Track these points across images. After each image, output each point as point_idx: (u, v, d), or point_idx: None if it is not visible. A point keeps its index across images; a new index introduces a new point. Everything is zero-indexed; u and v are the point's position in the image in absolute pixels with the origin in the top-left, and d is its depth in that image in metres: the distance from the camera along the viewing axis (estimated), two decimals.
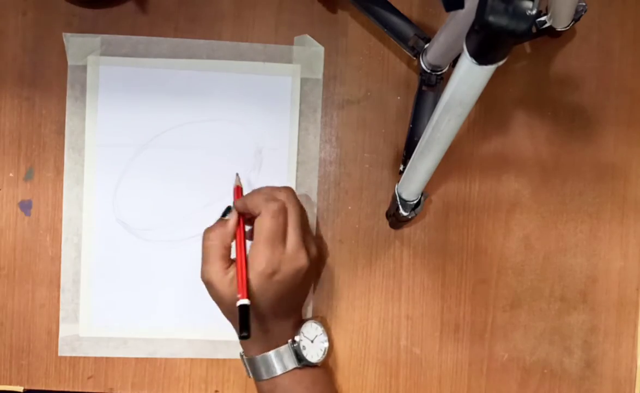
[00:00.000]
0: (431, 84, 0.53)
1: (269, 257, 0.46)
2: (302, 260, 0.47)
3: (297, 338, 0.49)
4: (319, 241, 0.55)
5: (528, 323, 0.56)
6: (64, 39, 0.54)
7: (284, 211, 0.47)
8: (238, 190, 0.51)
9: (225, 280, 0.46)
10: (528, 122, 0.56)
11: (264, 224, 0.46)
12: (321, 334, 0.52)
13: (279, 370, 0.48)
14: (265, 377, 0.48)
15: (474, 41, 0.32)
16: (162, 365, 0.54)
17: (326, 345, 0.52)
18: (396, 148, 0.56)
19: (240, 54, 0.55)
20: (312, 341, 0.51)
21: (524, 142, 0.56)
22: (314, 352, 0.50)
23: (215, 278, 0.46)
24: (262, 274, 0.45)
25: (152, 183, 0.54)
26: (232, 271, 0.46)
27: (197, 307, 0.54)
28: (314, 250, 0.50)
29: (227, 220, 0.48)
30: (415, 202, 0.49)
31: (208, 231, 0.48)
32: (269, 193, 0.48)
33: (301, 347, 0.49)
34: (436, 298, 0.56)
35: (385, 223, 0.55)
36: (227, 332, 0.54)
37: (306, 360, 0.49)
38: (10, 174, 0.54)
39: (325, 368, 0.53)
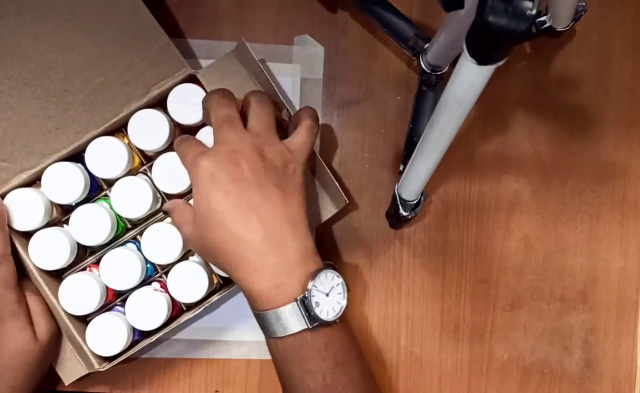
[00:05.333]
0: (431, 84, 0.53)
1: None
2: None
3: (307, 291, 0.40)
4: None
5: (528, 323, 0.56)
6: None
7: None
8: None
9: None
10: (528, 122, 0.56)
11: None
12: (338, 285, 0.42)
13: (288, 330, 0.40)
14: (276, 335, 0.41)
15: (473, 41, 0.32)
16: (162, 365, 0.54)
17: (344, 302, 0.42)
18: (396, 148, 0.56)
19: None
20: (327, 295, 0.42)
21: (524, 142, 0.56)
22: (329, 308, 0.41)
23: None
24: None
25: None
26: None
27: None
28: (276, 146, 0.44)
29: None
30: (415, 202, 0.49)
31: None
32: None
33: (313, 303, 0.40)
34: (436, 298, 0.56)
35: (385, 223, 0.56)
36: (227, 332, 0.55)
37: (319, 318, 0.40)
38: None
39: (343, 324, 0.43)
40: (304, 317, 0.40)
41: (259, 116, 0.44)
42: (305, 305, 0.40)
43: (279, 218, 0.41)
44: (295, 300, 0.40)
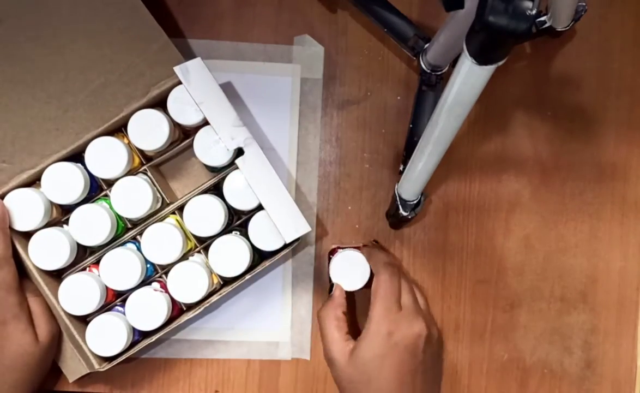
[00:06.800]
0: (431, 84, 0.53)
1: (385, 315, 0.47)
2: (419, 324, 0.47)
3: None
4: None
5: (528, 323, 0.56)
6: None
7: (398, 274, 0.49)
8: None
9: (347, 350, 0.47)
10: (528, 122, 0.56)
11: (381, 285, 0.48)
12: None
13: None
14: None
15: (474, 41, 0.32)
16: (162, 365, 0.54)
17: None
18: (396, 148, 0.56)
19: (240, 54, 0.55)
20: None
21: (524, 142, 0.56)
22: None
23: (337, 354, 0.47)
24: (378, 332, 0.46)
25: None
26: (351, 342, 0.48)
27: None
28: (434, 330, 0.50)
29: (333, 294, 0.50)
30: (415, 202, 0.49)
31: (319, 312, 0.50)
32: (384, 255, 0.50)
33: None
34: (436, 298, 0.56)
35: (385, 223, 0.55)
36: (227, 332, 0.55)
37: None
38: None
39: None
40: None
41: (410, 293, 0.49)
42: None
43: None
44: None
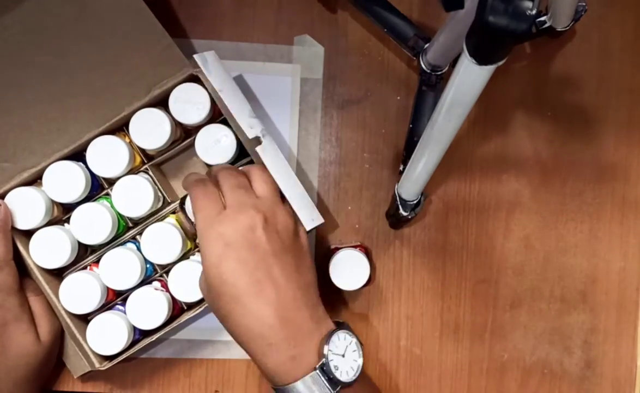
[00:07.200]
0: (431, 84, 0.53)
1: (208, 224, 0.41)
2: (244, 215, 0.40)
3: (325, 357, 0.39)
4: None
5: (528, 323, 0.56)
6: None
7: (210, 182, 0.44)
8: None
9: (202, 278, 0.43)
10: (528, 122, 0.56)
11: (194, 202, 0.43)
12: (352, 344, 0.41)
13: None
14: None
15: (473, 41, 0.32)
16: (162, 365, 0.55)
17: (360, 360, 0.41)
18: (396, 147, 0.56)
19: (241, 54, 0.55)
20: (343, 356, 0.40)
21: (524, 142, 0.56)
22: (347, 368, 0.40)
23: (200, 286, 0.44)
24: (209, 243, 0.40)
25: None
26: None
27: None
28: (279, 214, 0.43)
29: None
30: (415, 202, 0.50)
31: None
32: (194, 175, 0.46)
33: (332, 368, 0.39)
34: (436, 298, 0.56)
35: (385, 223, 0.56)
36: (227, 333, 0.55)
37: (341, 381, 0.40)
38: None
39: (363, 379, 0.42)
40: (326, 384, 0.39)
41: (267, 181, 0.44)
42: (325, 371, 0.39)
43: (293, 287, 0.40)
44: (315, 368, 0.39)
